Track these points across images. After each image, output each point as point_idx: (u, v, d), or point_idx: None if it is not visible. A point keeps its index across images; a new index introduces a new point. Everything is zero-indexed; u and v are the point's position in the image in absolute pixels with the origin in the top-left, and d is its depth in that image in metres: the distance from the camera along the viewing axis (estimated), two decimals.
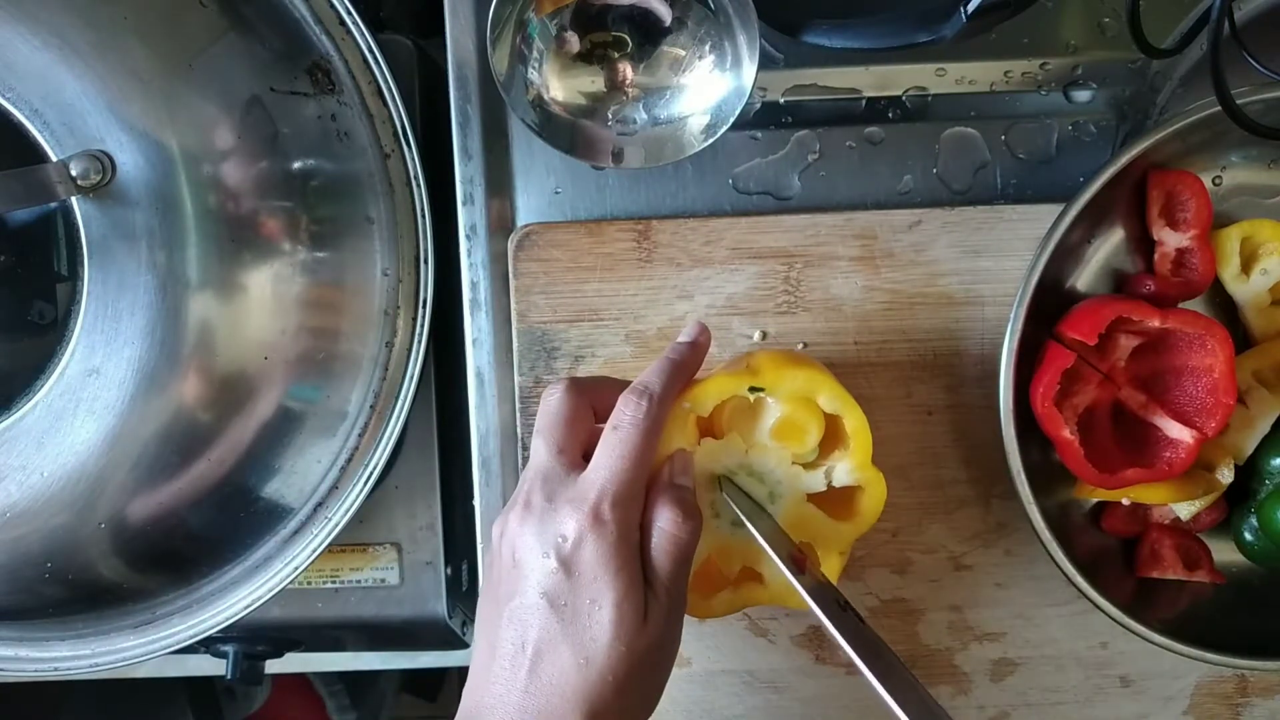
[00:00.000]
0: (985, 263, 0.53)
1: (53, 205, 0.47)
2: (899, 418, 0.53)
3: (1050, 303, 0.50)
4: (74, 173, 0.45)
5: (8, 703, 0.77)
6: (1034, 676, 0.54)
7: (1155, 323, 0.48)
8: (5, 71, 0.46)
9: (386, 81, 0.52)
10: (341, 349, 0.53)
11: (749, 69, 0.47)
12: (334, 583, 0.61)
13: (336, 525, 0.54)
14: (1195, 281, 0.51)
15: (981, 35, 0.53)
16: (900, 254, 0.53)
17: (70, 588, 0.52)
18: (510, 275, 0.54)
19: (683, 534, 0.42)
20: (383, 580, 0.61)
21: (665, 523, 0.42)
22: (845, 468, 0.46)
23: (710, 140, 0.49)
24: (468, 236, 0.55)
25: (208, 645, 0.61)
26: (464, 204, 0.55)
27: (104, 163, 0.46)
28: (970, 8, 0.44)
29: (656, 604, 0.41)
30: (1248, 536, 0.51)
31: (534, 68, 0.49)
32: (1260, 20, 0.54)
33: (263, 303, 0.50)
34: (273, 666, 0.63)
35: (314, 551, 0.54)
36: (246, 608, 0.54)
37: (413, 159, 0.53)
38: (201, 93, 0.49)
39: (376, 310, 0.53)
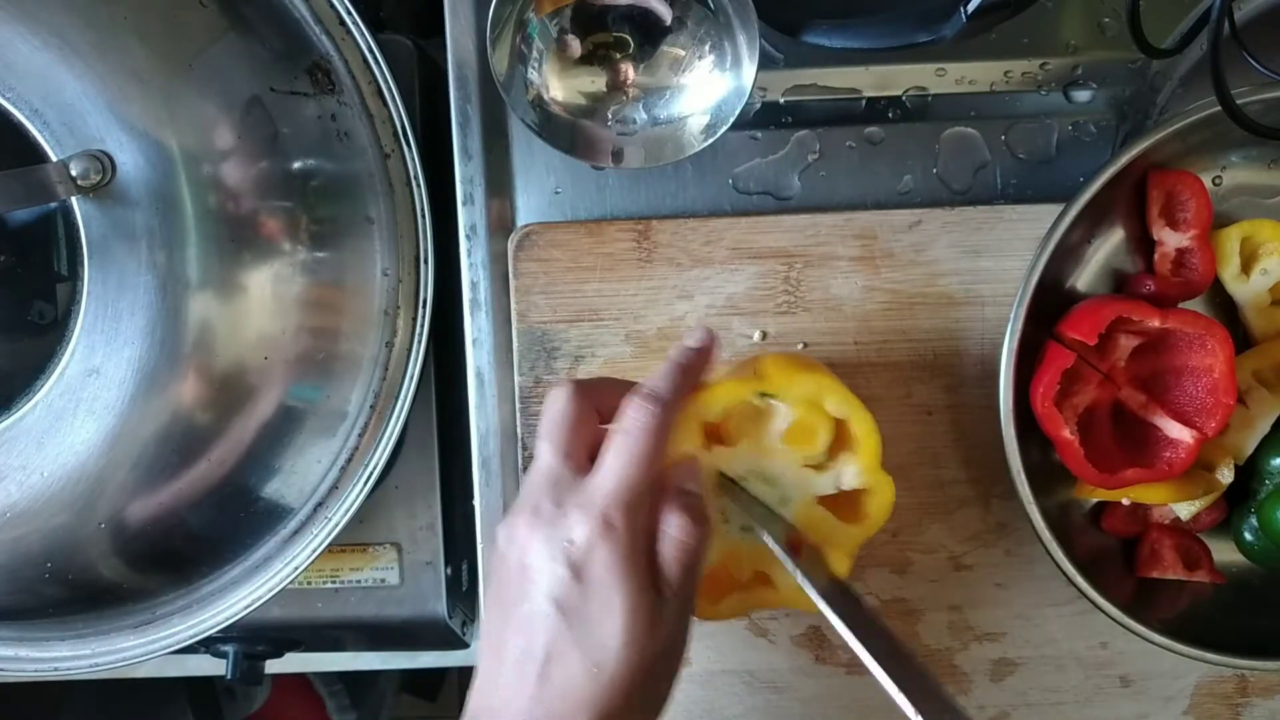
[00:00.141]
0: (985, 263, 0.53)
1: (53, 205, 0.47)
2: (899, 418, 0.53)
3: (1050, 303, 0.50)
4: (74, 173, 0.45)
5: (8, 703, 0.77)
6: (1034, 676, 0.54)
7: (1155, 323, 0.48)
8: (5, 71, 0.46)
9: (386, 81, 0.52)
10: (341, 349, 0.53)
11: (749, 69, 0.47)
12: (334, 583, 0.61)
13: (336, 525, 0.54)
14: (1195, 281, 0.51)
15: (981, 35, 0.53)
16: (900, 254, 0.53)
17: (70, 588, 0.52)
18: (510, 275, 0.54)
19: (692, 540, 0.41)
20: (383, 580, 0.61)
21: (674, 529, 0.41)
22: (853, 471, 0.46)
23: (710, 140, 0.49)
24: (468, 236, 0.55)
25: (208, 645, 0.61)
26: (464, 204, 0.55)
27: (104, 163, 0.46)
28: (970, 8, 0.44)
29: (666, 610, 0.41)
30: (1248, 536, 0.51)
31: (534, 68, 0.49)
32: (1260, 20, 0.54)
33: (263, 303, 0.50)
34: (273, 666, 0.63)
35: (314, 551, 0.54)
36: (246, 608, 0.54)
37: (413, 159, 0.53)
38: (201, 93, 0.49)
39: (376, 310, 0.53)
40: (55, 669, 0.56)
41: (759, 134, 0.55)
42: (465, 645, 0.64)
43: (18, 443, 0.48)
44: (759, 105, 0.55)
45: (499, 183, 0.56)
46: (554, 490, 0.42)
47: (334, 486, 0.55)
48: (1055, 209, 0.48)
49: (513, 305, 0.54)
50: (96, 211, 0.46)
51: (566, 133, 0.50)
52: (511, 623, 0.41)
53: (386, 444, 0.54)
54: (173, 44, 0.48)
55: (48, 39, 0.46)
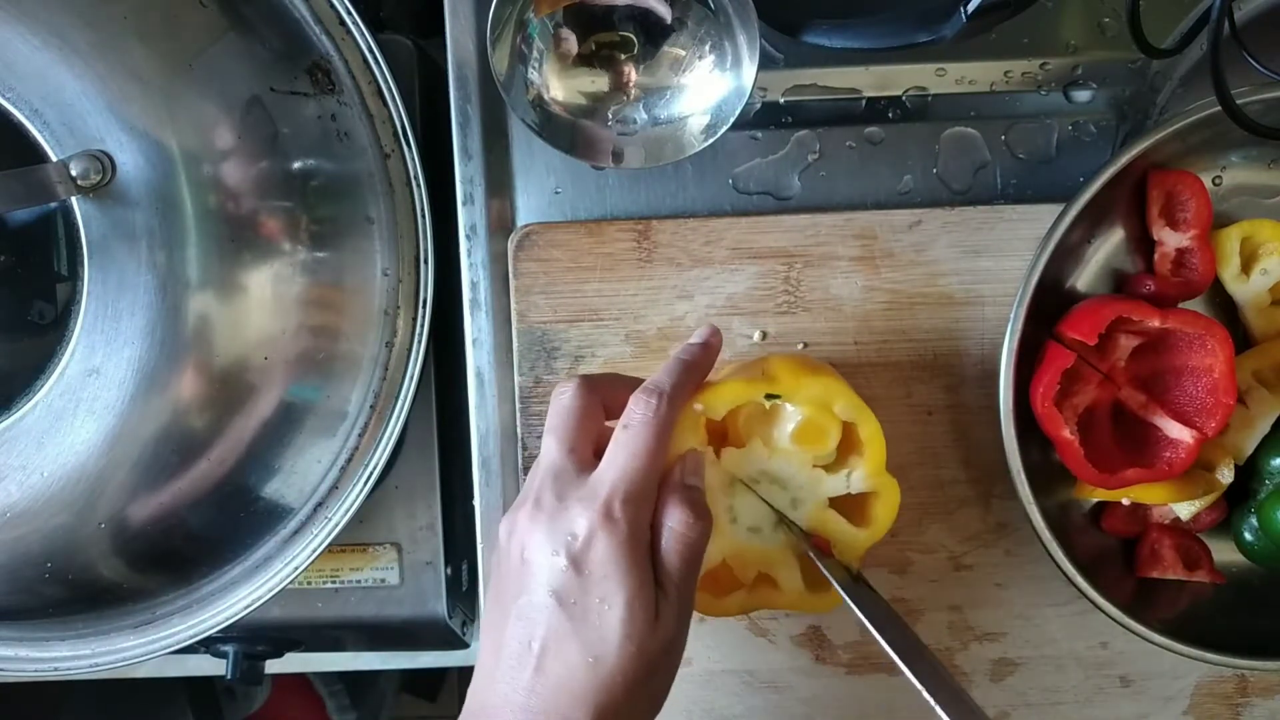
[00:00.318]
0: (985, 263, 0.53)
1: (53, 205, 0.47)
2: (899, 418, 0.53)
3: (1050, 303, 0.50)
4: (74, 173, 0.45)
5: (8, 703, 0.77)
6: (1034, 676, 0.54)
7: (1155, 323, 0.48)
8: (5, 71, 0.46)
9: (386, 81, 0.52)
10: (341, 349, 0.53)
11: (749, 69, 0.47)
12: (334, 583, 0.61)
13: (336, 525, 0.54)
14: (1195, 281, 0.51)
15: (981, 35, 0.53)
16: (900, 254, 0.53)
17: (70, 588, 0.52)
18: (510, 275, 0.54)
19: (693, 534, 0.41)
20: (383, 580, 0.61)
21: (675, 523, 0.41)
22: (860, 474, 0.46)
23: (710, 140, 0.49)
24: (468, 236, 0.55)
25: (208, 645, 0.61)
26: (464, 204, 0.55)
27: (104, 163, 0.46)
28: (970, 8, 0.44)
29: (667, 604, 0.41)
30: (1248, 536, 0.51)
31: (534, 68, 0.49)
32: (1260, 20, 0.54)
33: (263, 303, 0.50)
34: (273, 666, 0.63)
35: (314, 551, 0.54)
36: (246, 608, 0.54)
37: (413, 159, 0.53)
38: (201, 93, 0.49)
39: (376, 310, 0.53)
40: (55, 669, 0.56)
41: (759, 134, 0.55)
42: (465, 645, 0.64)
43: (18, 443, 0.48)
44: (759, 105, 0.55)
45: (499, 183, 0.56)
46: (557, 484, 0.42)
47: (334, 486, 0.55)
48: (1055, 209, 0.48)
49: (513, 305, 0.54)
50: (96, 211, 0.46)
51: (566, 133, 0.50)
52: (511, 616, 0.41)
53: (386, 444, 0.54)
54: (173, 44, 0.48)
55: (48, 39, 0.46)
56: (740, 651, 0.54)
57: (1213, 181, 0.52)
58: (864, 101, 0.55)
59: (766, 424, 0.47)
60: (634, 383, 0.44)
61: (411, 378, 0.54)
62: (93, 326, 0.47)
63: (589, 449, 0.43)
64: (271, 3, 0.51)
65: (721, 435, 0.47)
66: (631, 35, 0.49)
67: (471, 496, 0.55)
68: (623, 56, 0.50)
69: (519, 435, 0.54)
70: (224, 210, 0.49)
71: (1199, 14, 0.52)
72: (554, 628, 0.40)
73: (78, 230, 0.46)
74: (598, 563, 0.40)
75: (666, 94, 0.50)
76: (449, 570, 0.61)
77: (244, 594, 0.55)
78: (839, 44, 0.49)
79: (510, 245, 0.54)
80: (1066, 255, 0.51)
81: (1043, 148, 0.55)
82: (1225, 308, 0.53)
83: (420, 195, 0.53)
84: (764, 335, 0.54)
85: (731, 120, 0.48)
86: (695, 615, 0.53)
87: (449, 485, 0.61)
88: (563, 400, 0.44)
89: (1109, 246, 0.52)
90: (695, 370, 0.45)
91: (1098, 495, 0.52)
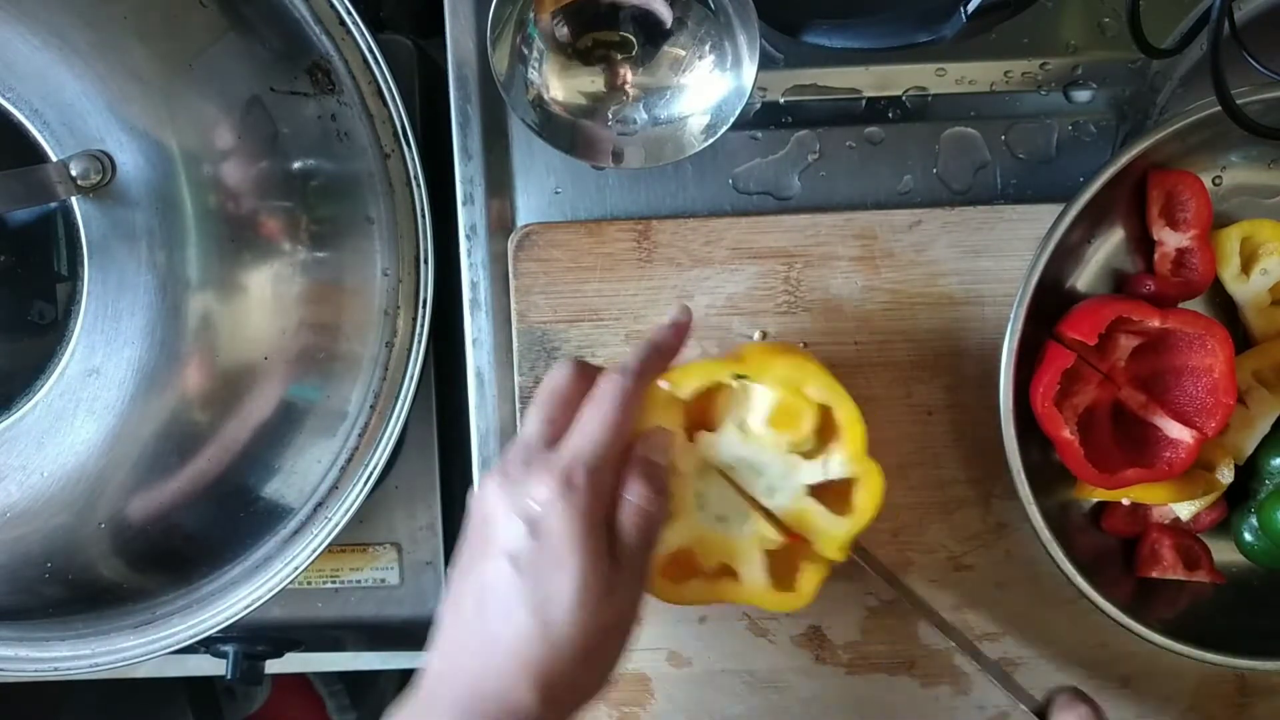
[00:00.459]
0: (985, 263, 0.53)
1: (53, 205, 0.47)
2: (899, 418, 0.53)
3: (1050, 303, 0.50)
4: (74, 173, 0.45)
5: (8, 703, 0.77)
6: (1034, 676, 0.54)
7: (1155, 323, 0.48)
8: (5, 71, 0.46)
9: (386, 81, 0.52)
10: (341, 349, 0.53)
11: (749, 69, 0.47)
12: (334, 583, 0.61)
13: (336, 525, 0.54)
14: (1195, 281, 0.51)
15: (981, 35, 0.53)
16: (900, 254, 0.53)
17: (70, 588, 0.52)
18: (510, 275, 0.54)
19: (651, 507, 0.42)
20: (383, 580, 0.61)
21: (635, 495, 0.42)
22: (839, 459, 0.45)
23: (710, 140, 0.49)
24: (468, 236, 0.55)
25: (208, 645, 0.61)
26: (464, 204, 0.55)
27: (104, 163, 0.46)
28: (970, 8, 0.44)
29: (620, 576, 0.41)
30: (1248, 536, 0.51)
31: (534, 68, 0.49)
32: (1260, 20, 0.54)
33: (263, 303, 0.50)
34: (273, 666, 0.63)
35: (314, 551, 0.54)
36: (246, 608, 0.54)
37: (413, 159, 0.53)
38: (201, 93, 0.49)
39: (376, 310, 0.53)
40: (55, 669, 0.56)
41: (759, 134, 0.55)
42: None
43: (18, 443, 0.48)
44: (759, 105, 0.55)
45: (499, 183, 0.56)
46: (527, 453, 0.42)
47: (334, 486, 0.55)
48: (1055, 209, 0.48)
49: (513, 305, 0.54)
50: (96, 211, 0.46)
51: (566, 133, 0.50)
52: (470, 580, 0.41)
53: (386, 444, 0.54)
54: (173, 44, 0.48)
55: (48, 39, 0.46)
56: (740, 651, 0.54)
57: (1213, 181, 0.52)
58: (864, 101, 0.55)
59: (741, 409, 0.46)
60: None
61: (411, 378, 0.54)
62: (93, 326, 0.47)
63: (567, 424, 0.43)
64: (271, 3, 0.51)
65: (700, 422, 0.47)
66: (630, 36, 0.49)
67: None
68: (619, 56, 0.50)
69: None
70: (224, 210, 0.49)
71: (1199, 14, 0.52)
72: (507, 591, 0.40)
73: (78, 230, 0.46)
74: (554, 529, 0.40)
75: (666, 94, 0.50)
76: (449, 570, 0.61)
77: (244, 594, 0.55)
78: (839, 44, 0.49)
79: (510, 245, 0.54)
80: (1066, 255, 0.51)
81: (1043, 148, 0.55)
82: (1225, 308, 0.53)
83: (420, 195, 0.53)
84: (764, 335, 0.54)
85: (731, 120, 0.48)
86: (690, 613, 0.54)
87: (449, 485, 0.61)
88: (552, 378, 0.44)
89: (1109, 246, 0.52)
90: (663, 349, 0.45)
91: (1098, 495, 0.52)
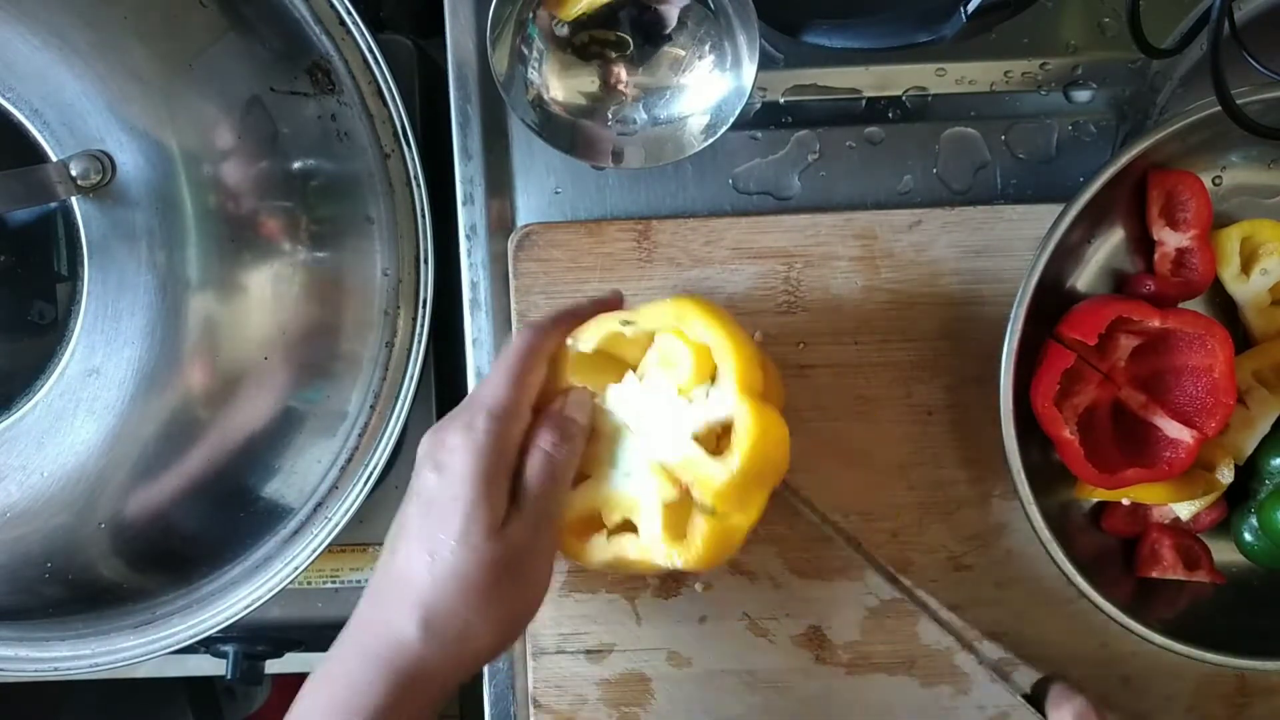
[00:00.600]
0: (985, 263, 0.53)
1: (53, 205, 0.47)
2: (899, 418, 0.53)
3: (1050, 303, 0.50)
4: (74, 173, 0.45)
5: (8, 703, 0.77)
6: (1034, 676, 0.54)
7: (1155, 323, 0.48)
8: (5, 71, 0.46)
9: (386, 81, 0.52)
10: (341, 349, 0.53)
11: (749, 69, 0.47)
12: (334, 583, 0.61)
13: (336, 525, 0.54)
14: (1195, 281, 0.51)
15: (981, 35, 0.53)
16: (900, 254, 0.53)
17: (70, 588, 0.52)
18: (510, 275, 0.54)
19: (557, 454, 0.44)
20: None
21: (543, 442, 0.44)
22: (718, 399, 0.43)
23: (710, 140, 0.49)
24: (468, 236, 0.55)
25: (208, 645, 0.61)
26: (464, 204, 0.55)
27: (104, 163, 0.46)
28: (970, 8, 0.44)
29: (519, 516, 0.42)
30: (1248, 536, 0.51)
31: (534, 68, 0.49)
32: (1260, 20, 0.54)
33: (263, 303, 0.50)
34: (273, 666, 0.63)
35: (314, 551, 0.54)
36: (246, 608, 0.54)
37: (413, 159, 0.53)
38: (201, 93, 0.49)
39: (376, 310, 0.53)
40: (55, 669, 0.56)
41: (759, 134, 0.55)
42: None
43: (18, 443, 0.48)
44: (759, 105, 0.55)
45: (499, 183, 0.56)
46: (462, 408, 0.45)
47: (334, 486, 0.55)
48: (1055, 209, 0.48)
49: (513, 305, 0.54)
50: (96, 211, 0.46)
51: (566, 133, 0.50)
52: (393, 526, 0.44)
53: (386, 444, 0.54)
54: (173, 44, 0.49)
55: (48, 39, 0.46)
56: (740, 651, 0.54)
57: (1213, 181, 0.52)
58: (864, 101, 0.55)
59: (639, 359, 0.46)
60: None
61: (411, 378, 0.54)
62: (93, 326, 0.47)
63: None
64: (271, 3, 0.51)
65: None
66: (627, 36, 0.49)
67: None
68: (614, 55, 0.50)
69: None
70: (224, 210, 0.49)
71: (1199, 14, 0.52)
72: (409, 524, 0.43)
73: (78, 230, 0.46)
74: (454, 468, 0.42)
75: (666, 94, 0.50)
76: None
77: (244, 594, 0.55)
78: (839, 44, 0.49)
79: (510, 245, 0.54)
80: (1066, 255, 0.51)
81: (1043, 148, 0.55)
82: (1225, 308, 0.53)
83: (420, 195, 0.53)
84: (764, 335, 0.54)
85: (731, 120, 0.48)
86: (690, 613, 0.54)
87: None
88: (513, 342, 0.46)
89: (1109, 246, 0.52)
90: (574, 312, 0.47)
91: (1098, 495, 0.52)
